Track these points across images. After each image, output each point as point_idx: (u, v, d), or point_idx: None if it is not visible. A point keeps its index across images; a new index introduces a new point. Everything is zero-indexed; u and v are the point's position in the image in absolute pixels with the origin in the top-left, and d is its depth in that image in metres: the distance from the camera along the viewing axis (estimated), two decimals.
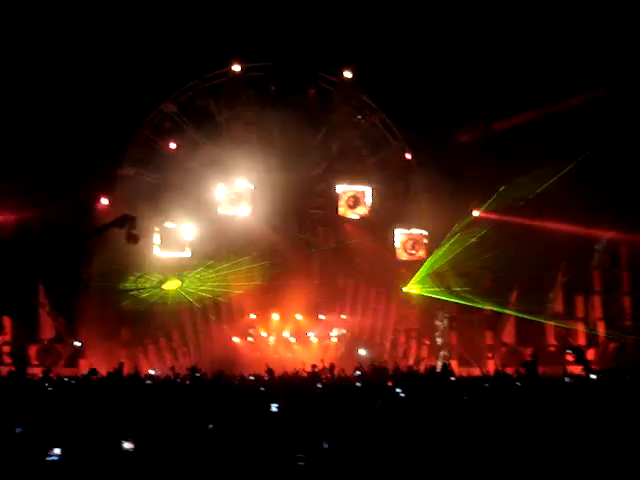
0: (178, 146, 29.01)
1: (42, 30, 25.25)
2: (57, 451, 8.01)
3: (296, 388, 13.66)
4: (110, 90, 26.00)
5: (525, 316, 28.79)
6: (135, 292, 28.16)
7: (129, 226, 14.03)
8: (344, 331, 30.01)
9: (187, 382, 18.20)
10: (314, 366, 21.03)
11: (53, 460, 7.96)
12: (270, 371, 20.08)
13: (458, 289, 28.75)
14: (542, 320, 29.11)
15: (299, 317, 29.64)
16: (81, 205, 27.60)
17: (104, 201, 28.23)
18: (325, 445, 7.58)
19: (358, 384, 15.35)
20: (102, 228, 13.84)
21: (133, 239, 14.20)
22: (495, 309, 29.24)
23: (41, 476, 7.88)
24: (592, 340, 29.29)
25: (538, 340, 29.10)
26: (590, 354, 28.33)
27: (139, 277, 28.11)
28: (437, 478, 7.02)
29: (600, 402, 8.58)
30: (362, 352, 28.99)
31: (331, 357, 26.97)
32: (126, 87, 26.18)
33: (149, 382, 18.26)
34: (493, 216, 29.07)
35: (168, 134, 29.03)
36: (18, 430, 9.38)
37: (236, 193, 29.07)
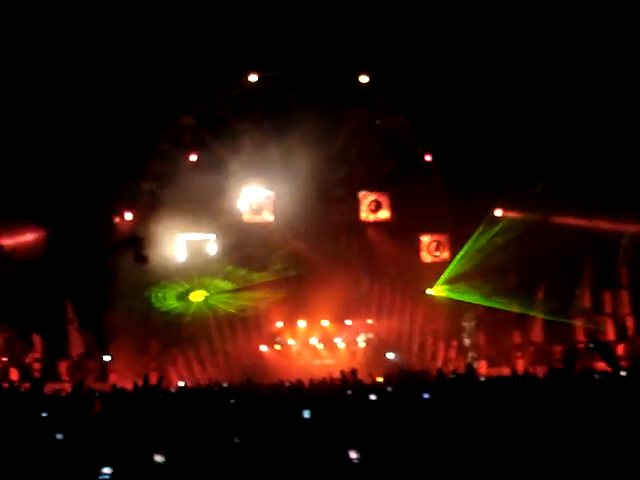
0: (198, 158, 29.20)
1: (62, 48, 25.50)
2: (107, 470, 7.95)
3: (325, 395, 13.69)
4: (129, 105, 26.21)
5: (551, 318, 28.62)
6: (161, 305, 28.40)
7: (138, 247, 14.10)
8: (371, 336, 30.00)
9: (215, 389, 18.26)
10: (342, 372, 20.97)
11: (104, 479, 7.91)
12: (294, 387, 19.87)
13: (484, 289, 28.61)
14: (568, 321, 28.88)
15: (325, 323, 29.67)
16: (105, 221, 27.90)
17: (128, 216, 28.54)
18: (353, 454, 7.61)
19: (389, 389, 15.33)
20: (112, 250, 13.90)
21: (141, 259, 14.28)
22: (522, 311, 29.03)
23: None
24: (621, 335, 29.01)
25: (567, 337, 28.92)
26: (620, 349, 28.13)
27: (163, 289, 28.33)
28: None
29: (630, 398, 8.50)
30: (390, 356, 28.93)
31: (359, 362, 26.99)
32: (145, 102, 26.38)
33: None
34: (517, 214, 28.96)
35: (188, 147, 29.26)
36: (59, 436, 9.40)
37: (257, 202, 29.24)
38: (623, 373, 10.97)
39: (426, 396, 10.75)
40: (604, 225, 27.70)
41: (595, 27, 25.06)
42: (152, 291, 28.30)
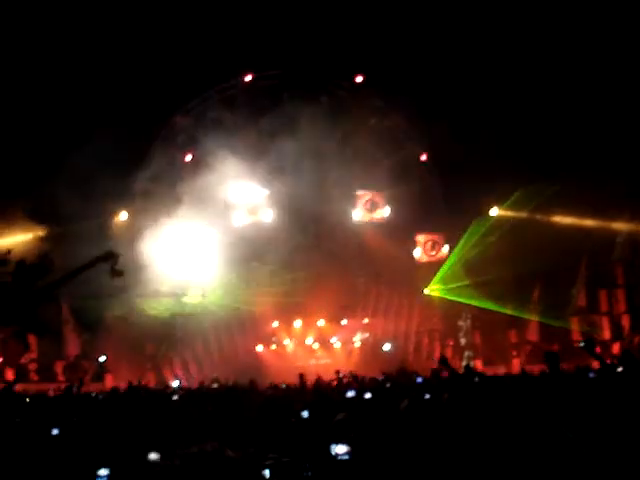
0: (193, 157, 29.19)
1: (59, 46, 25.43)
2: (104, 472, 7.86)
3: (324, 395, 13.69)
4: (124, 104, 26.16)
5: (547, 319, 28.63)
6: (156, 307, 28.35)
7: (112, 262, 14.18)
8: (367, 335, 30.04)
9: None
10: (337, 372, 20.85)
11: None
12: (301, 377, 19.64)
13: (479, 289, 28.60)
14: (562, 322, 28.86)
15: (321, 323, 29.70)
16: (102, 221, 27.85)
17: (124, 215, 28.52)
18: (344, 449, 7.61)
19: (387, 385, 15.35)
20: (87, 265, 13.97)
21: (117, 274, 14.40)
22: (516, 313, 28.99)
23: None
24: (617, 334, 29.04)
25: (563, 337, 28.92)
26: (615, 348, 28.14)
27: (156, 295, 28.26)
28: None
29: (624, 396, 8.50)
30: (387, 347, 28.95)
31: (355, 362, 27.03)
32: (140, 101, 26.34)
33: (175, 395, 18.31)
34: (512, 213, 29.01)
35: (183, 146, 29.26)
36: (55, 432, 9.33)
37: (254, 202, 29.23)
38: (620, 369, 10.92)
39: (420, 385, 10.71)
40: (599, 224, 27.74)
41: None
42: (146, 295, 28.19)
